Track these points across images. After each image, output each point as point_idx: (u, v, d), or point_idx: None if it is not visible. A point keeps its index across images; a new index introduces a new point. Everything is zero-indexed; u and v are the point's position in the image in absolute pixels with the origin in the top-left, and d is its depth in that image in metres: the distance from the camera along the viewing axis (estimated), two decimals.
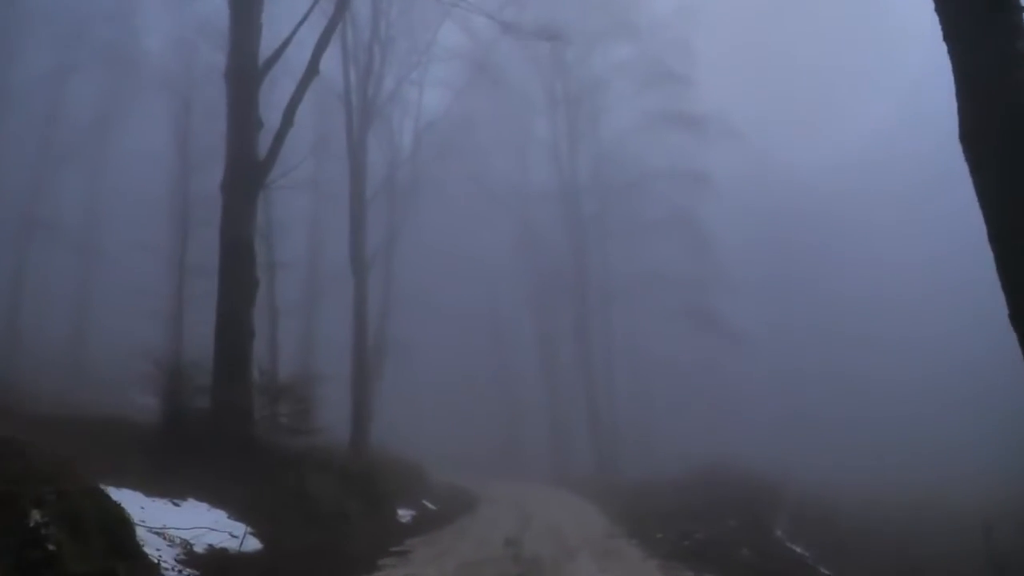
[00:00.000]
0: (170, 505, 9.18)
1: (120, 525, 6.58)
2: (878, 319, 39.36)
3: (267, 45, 13.83)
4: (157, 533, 7.84)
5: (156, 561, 7.05)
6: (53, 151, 26.70)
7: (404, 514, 14.05)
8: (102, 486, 7.07)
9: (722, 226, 31.31)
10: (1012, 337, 4.93)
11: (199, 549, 8.14)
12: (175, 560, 7.51)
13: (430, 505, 16.96)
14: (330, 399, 21.16)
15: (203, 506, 9.56)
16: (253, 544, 9.04)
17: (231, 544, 8.70)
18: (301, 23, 14.24)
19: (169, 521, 8.33)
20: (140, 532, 7.12)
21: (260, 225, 19.43)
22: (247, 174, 13.07)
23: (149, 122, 26.72)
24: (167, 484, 9.50)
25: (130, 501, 7.79)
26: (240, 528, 9.17)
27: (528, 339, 40.06)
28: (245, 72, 13.26)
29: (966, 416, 31.66)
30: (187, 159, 23.46)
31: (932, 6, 5.57)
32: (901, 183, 41.94)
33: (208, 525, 8.77)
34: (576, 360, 34.35)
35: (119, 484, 8.12)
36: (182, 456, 10.71)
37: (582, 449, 35.91)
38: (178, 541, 8.04)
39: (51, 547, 5.37)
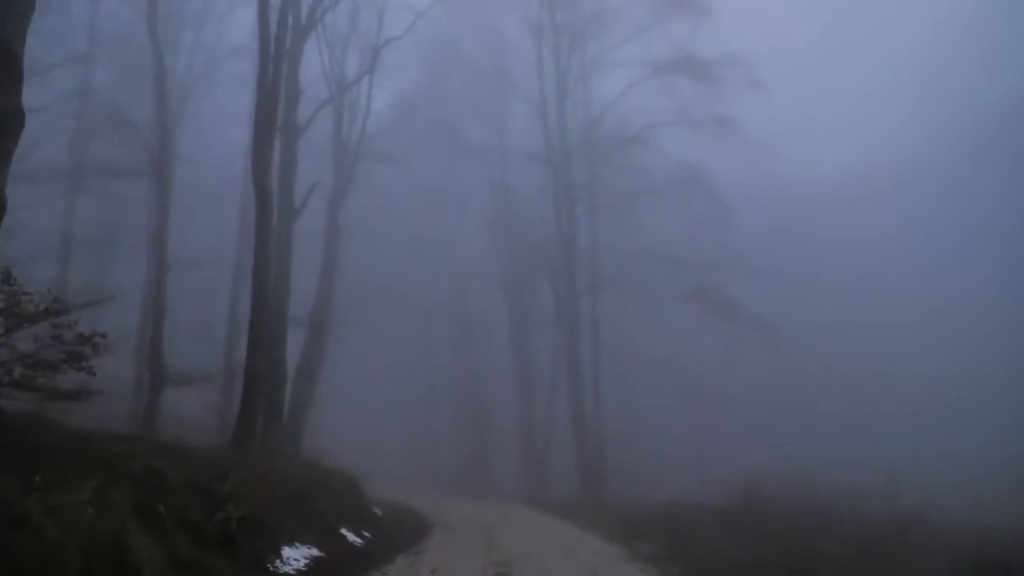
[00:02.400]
0: None
1: None
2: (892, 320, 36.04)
3: None
4: None
5: None
6: None
7: (296, 557, 8.30)
8: None
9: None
10: None
11: None
12: None
13: (352, 537, 11.20)
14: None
15: None
16: None
17: None
18: None
19: None
20: None
21: None
22: None
23: None
24: None
25: None
26: None
27: (501, 331, 34.42)
28: None
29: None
30: None
31: None
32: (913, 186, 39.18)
33: None
34: (557, 356, 28.87)
35: None
36: None
37: (562, 462, 30.24)
38: None
39: None
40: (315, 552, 8.81)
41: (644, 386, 34.29)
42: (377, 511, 16.85)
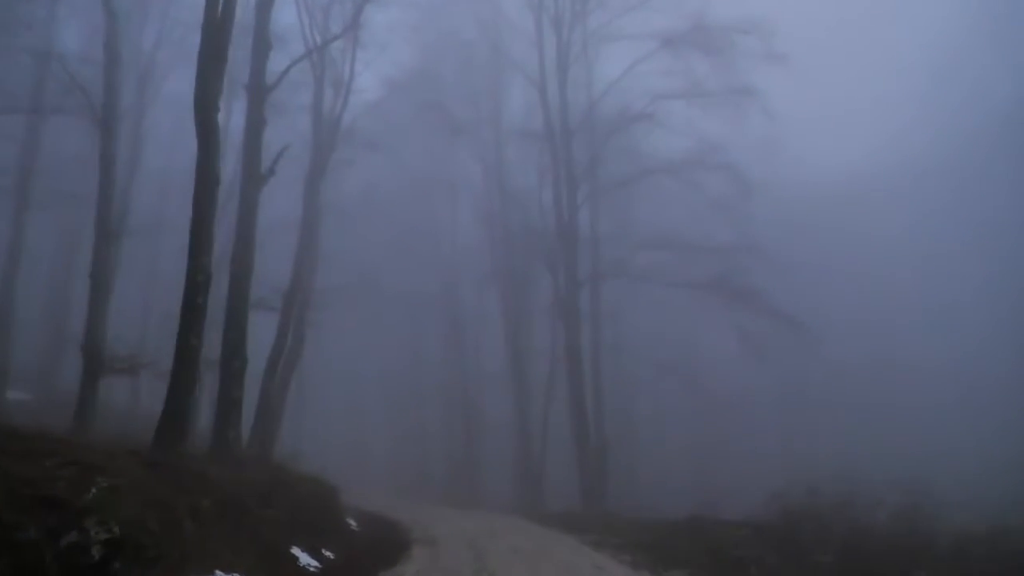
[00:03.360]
0: None
1: None
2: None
3: None
4: None
5: None
6: None
7: None
8: None
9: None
10: None
11: None
12: None
13: (306, 560, 8.89)
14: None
15: None
16: None
17: None
18: None
19: None
20: None
21: None
22: None
23: None
24: None
25: None
26: None
27: (494, 328, 32.15)
28: None
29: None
30: None
31: None
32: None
33: None
34: (555, 354, 26.64)
35: None
36: None
37: (560, 469, 27.98)
38: None
39: None
40: None
41: (644, 386, 32.20)
42: (351, 523, 14.56)
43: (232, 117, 22.97)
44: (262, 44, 15.80)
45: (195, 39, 11.86)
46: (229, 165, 25.14)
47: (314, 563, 8.96)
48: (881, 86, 41.91)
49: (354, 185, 35.99)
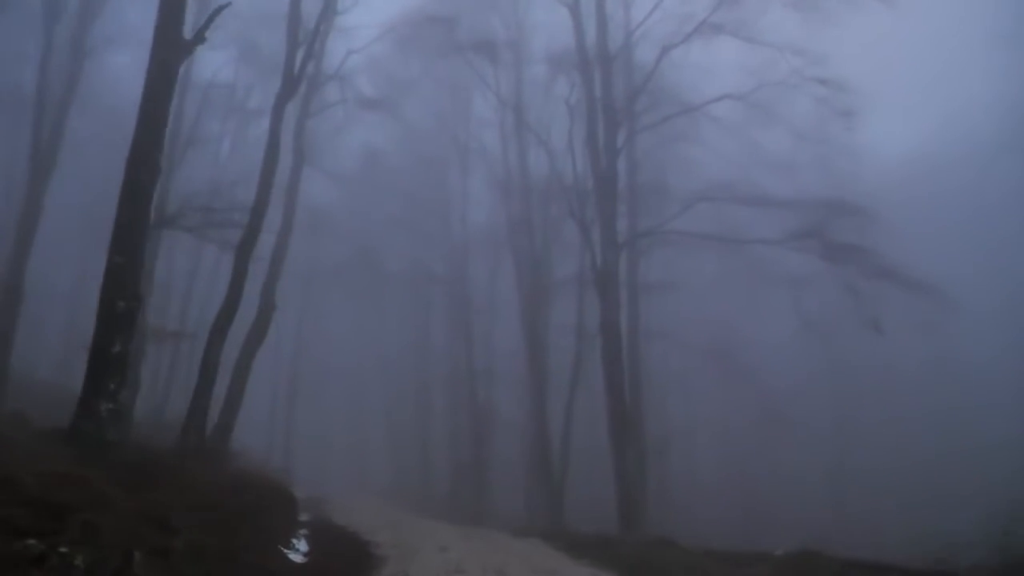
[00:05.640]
0: None
1: None
2: None
3: None
4: None
5: None
6: None
7: None
8: None
9: None
10: None
11: None
12: None
13: None
14: None
15: None
16: None
17: None
18: None
19: None
20: None
21: None
22: None
23: None
24: None
25: None
26: None
27: (508, 314, 27.50)
28: None
29: None
30: None
31: None
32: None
33: None
34: (581, 342, 22.02)
35: None
36: None
37: (583, 482, 23.33)
38: None
39: None
40: None
41: (675, 379, 27.53)
42: (297, 551, 9.94)
43: None
44: None
45: None
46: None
47: None
48: (939, 66, 37.58)
49: (354, 150, 31.75)
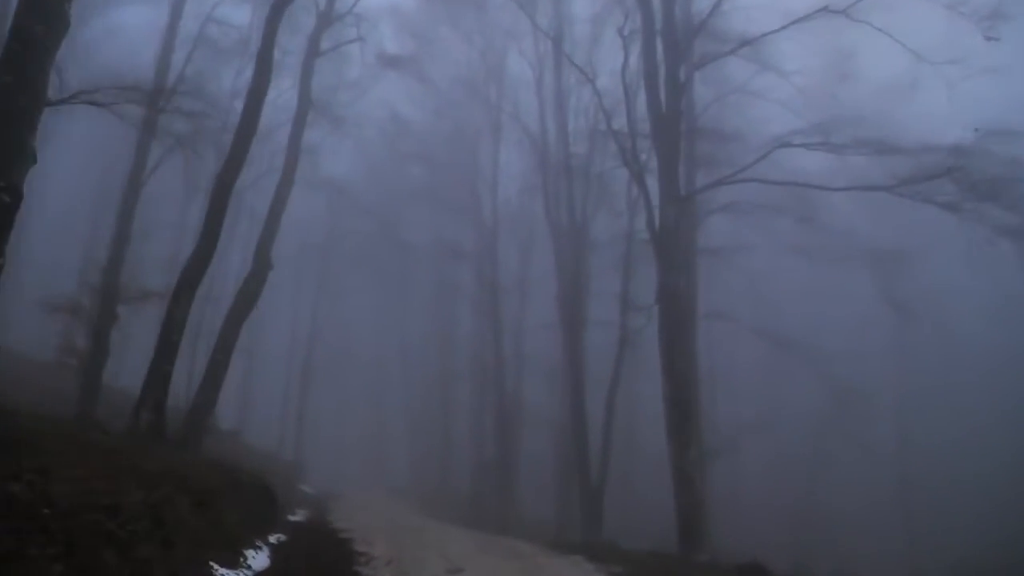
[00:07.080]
0: None
1: None
2: None
3: None
4: None
5: None
6: None
7: None
8: None
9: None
10: None
11: None
12: None
13: None
14: None
15: None
16: None
17: None
18: None
19: None
20: None
21: None
22: None
23: None
24: None
25: None
26: None
27: (540, 298, 24.39)
28: None
29: None
30: None
31: None
32: None
33: None
34: (626, 321, 18.79)
35: None
36: None
37: (619, 488, 20.04)
38: None
39: None
40: None
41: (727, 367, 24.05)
42: (245, 568, 7.01)
43: None
44: None
45: None
46: None
47: None
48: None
49: (376, 116, 28.94)
